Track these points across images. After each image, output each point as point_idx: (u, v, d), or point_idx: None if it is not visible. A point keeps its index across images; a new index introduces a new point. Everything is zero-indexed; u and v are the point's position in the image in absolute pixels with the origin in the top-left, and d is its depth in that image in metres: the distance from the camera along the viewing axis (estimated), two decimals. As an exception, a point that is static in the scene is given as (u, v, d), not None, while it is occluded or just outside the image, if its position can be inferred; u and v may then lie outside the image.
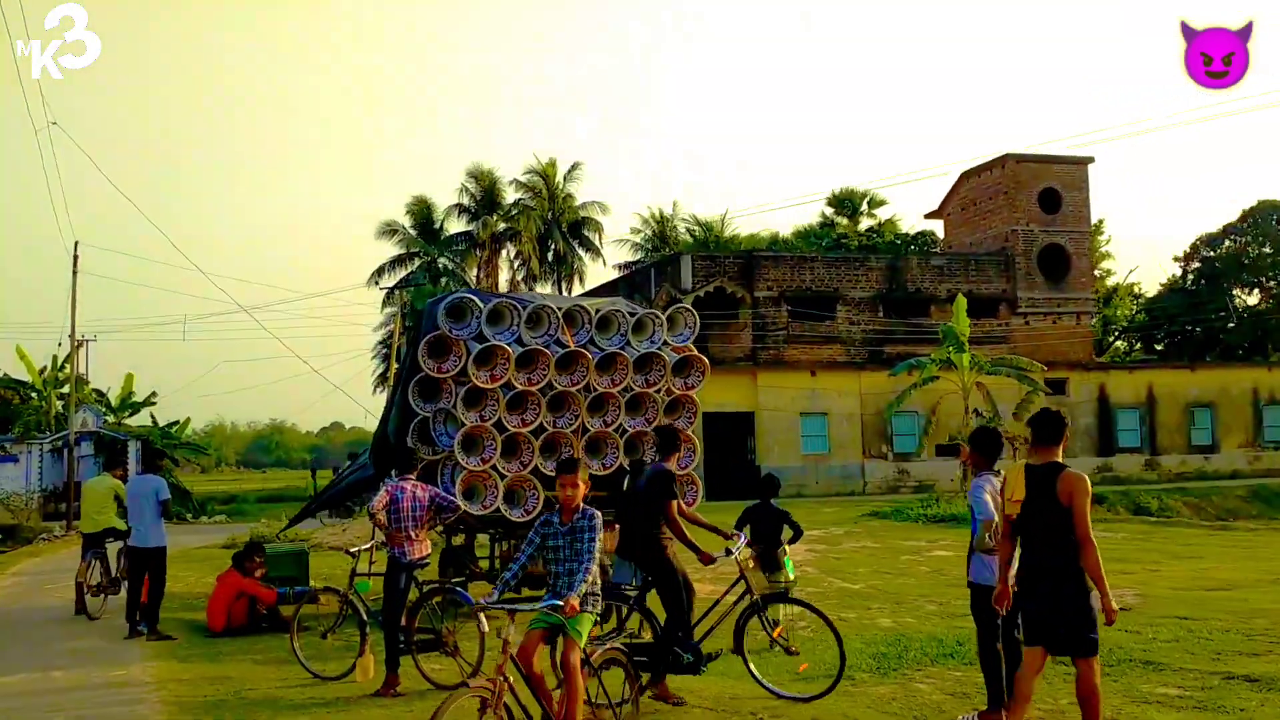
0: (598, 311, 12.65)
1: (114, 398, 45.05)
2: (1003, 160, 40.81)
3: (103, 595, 13.08)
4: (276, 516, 32.09)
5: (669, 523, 8.12)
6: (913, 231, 57.58)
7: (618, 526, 11.89)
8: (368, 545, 9.83)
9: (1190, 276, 55.16)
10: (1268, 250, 52.07)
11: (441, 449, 11.89)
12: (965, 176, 43.11)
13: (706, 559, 8.07)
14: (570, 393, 12.08)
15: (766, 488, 10.33)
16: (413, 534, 8.91)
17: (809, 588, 14.09)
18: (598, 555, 6.43)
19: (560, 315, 12.33)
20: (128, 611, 11.68)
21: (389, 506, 8.87)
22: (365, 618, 9.26)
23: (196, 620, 12.29)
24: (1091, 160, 41.10)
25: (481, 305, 12.03)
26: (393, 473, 9.78)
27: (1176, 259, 56.84)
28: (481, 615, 7.82)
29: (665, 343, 12.81)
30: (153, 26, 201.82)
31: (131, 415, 45.15)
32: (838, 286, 38.90)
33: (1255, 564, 15.56)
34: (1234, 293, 53.64)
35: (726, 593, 8.58)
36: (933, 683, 8.39)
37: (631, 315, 12.73)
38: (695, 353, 12.89)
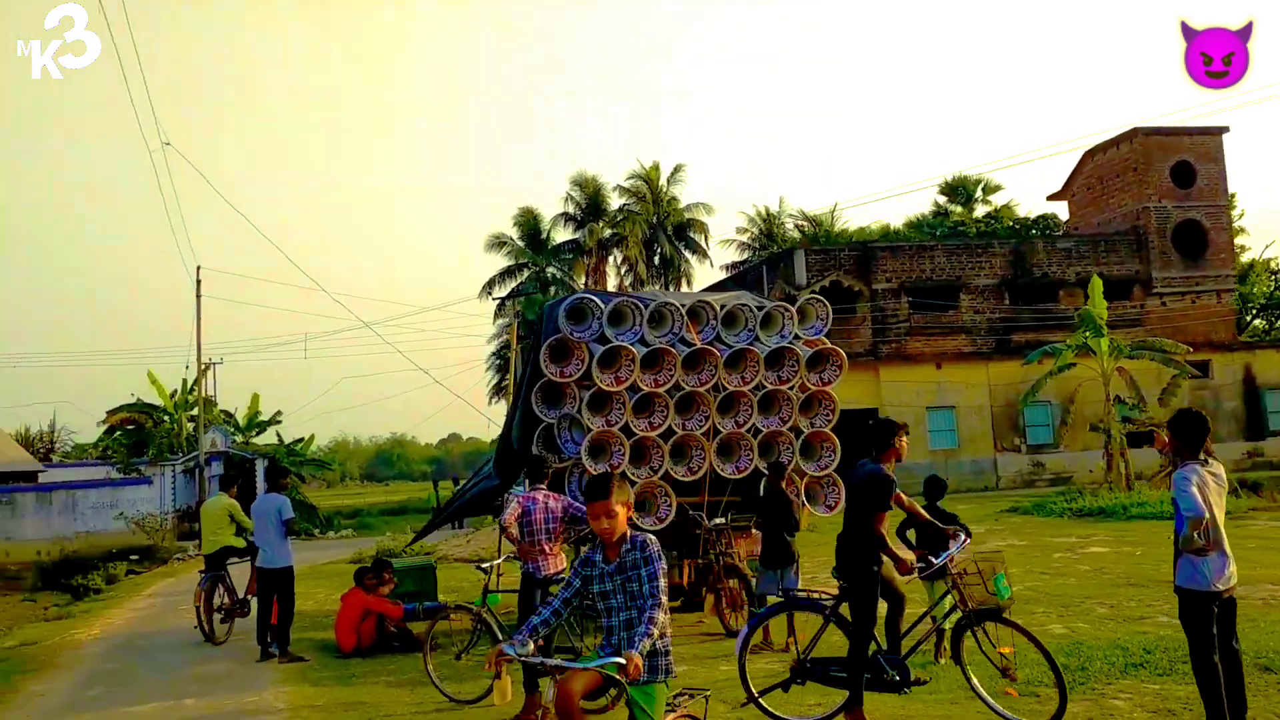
0: (723, 307, 12.01)
1: (241, 418, 46.16)
2: (1131, 134, 38.79)
3: (229, 618, 12.92)
4: (401, 529, 32.27)
5: (873, 538, 7.24)
6: (1033, 215, 55.41)
7: (757, 534, 11.29)
8: (499, 559, 9.33)
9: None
10: None
11: (568, 456, 11.40)
12: (1090, 154, 41.13)
13: (907, 569, 7.32)
14: (699, 393, 11.47)
15: (934, 490, 9.60)
16: (546, 547, 8.42)
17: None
18: (663, 597, 5.08)
19: (684, 312, 11.72)
20: (258, 633, 11.45)
21: (521, 519, 8.39)
22: (500, 636, 8.78)
23: (328, 639, 12.02)
24: (1226, 130, 38.79)
25: (602, 306, 11.50)
26: (525, 482, 9.28)
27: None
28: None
29: (796, 336, 12.09)
30: (264, 40, 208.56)
31: (258, 434, 46.20)
32: (959, 275, 37.43)
33: None
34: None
35: (935, 604, 7.89)
36: (1128, 698, 7.50)
37: (759, 309, 12.06)
38: (830, 345, 12.14)
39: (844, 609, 7.50)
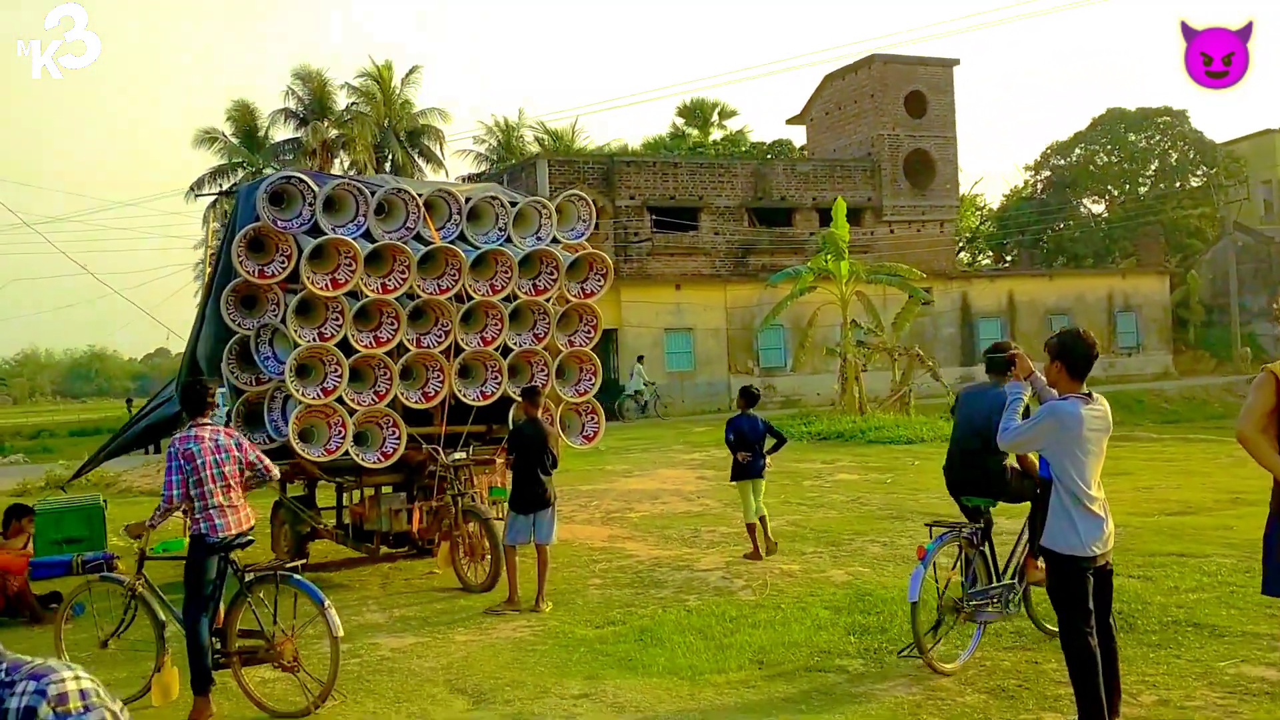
0: (468, 200, 10.03)
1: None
2: (869, 61, 39.09)
3: None
4: (90, 452, 28.25)
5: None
6: (768, 142, 55.92)
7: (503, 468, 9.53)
8: (151, 520, 6.80)
9: (1040, 186, 55.30)
10: (1115, 159, 52.40)
11: (269, 377, 9.17)
12: (830, 79, 41.30)
13: None
14: (437, 301, 9.49)
15: (748, 399, 10.15)
16: (224, 500, 6.28)
17: (720, 526, 12.03)
18: None
19: (421, 203, 9.64)
20: None
21: (181, 469, 6.21)
22: (162, 617, 6.63)
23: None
24: (957, 62, 39.84)
25: (316, 189, 9.23)
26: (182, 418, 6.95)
27: (1028, 168, 56.98)
28: (332, 612, 5.57)
29: (555, 239, 10.29)
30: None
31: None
32: (701, 195, 36.68)
33: (1194, 480, 14.26)
34: (1082, 202, 54.03)
35: None
36: (949, 671, 6.29)
37: (512, 205, 10.15)
38: (594, 251, 10.42)
39: None
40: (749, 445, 9.97)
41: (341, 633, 6.26)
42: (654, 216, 35.87)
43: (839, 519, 12.28)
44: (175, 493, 6.22)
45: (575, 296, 10.23)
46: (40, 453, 34.96)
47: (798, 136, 49.30)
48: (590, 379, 10.44)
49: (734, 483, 10.29)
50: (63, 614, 7.28)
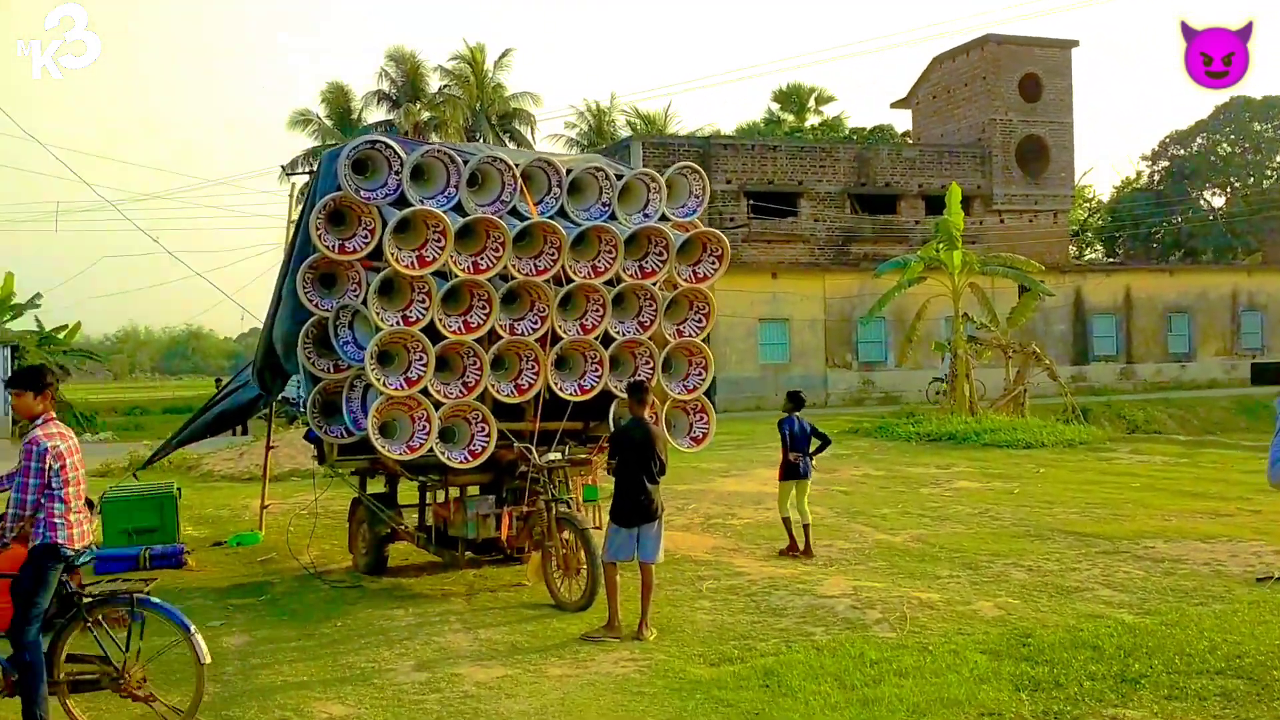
0: (570, 171, 8.98)
1: (-11, 300, 40.17)
2: (982, 42, 37.23)
3: None
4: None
5: None
6: (869, 127, 54.16)
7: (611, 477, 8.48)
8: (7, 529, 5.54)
9: (1156, 176, 52.61)
10: (1238, 149, 49.54)
11: (348, 364, 8.26)
12: (938, 61, 39.49)
13: None
14: (533, 284, 8.47)
15: (796, 402, 10.37)
16: (80, 507, 5.60)
17: (837, 540, 10.84)
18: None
19: (518, 174, 8.63)
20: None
21: (45, 475, 5.37)
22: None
23: None
24: (1076, 44, 37.76)
25: (403, 155, 8.28)
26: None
27: (1143, 158, 54.29)
28: (199, 638, 5.57)
29: (664, 216, 9.20)
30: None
31: (13, 319, 40.32)
32: (801, 180, 35.30)
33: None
34: (1202, 194, 51.26)
35: None
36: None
37: (618, 178, 9.08)
38: (708, 230, 9.29)
39: None
40: (799, 447, 10.25)
41: (209, 659, 5.64)
42: (751, 201, 34.61)
43: (970, 535, 11.01)
44: (32, 497, 5.32)
45: (686, 280, 9.12)
46: (131, 430, 35.09)
47: (899, 122, 47.53)
48: (700, 374, 9.34)
49: (782, 482, 10.43)
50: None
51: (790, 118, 57.01)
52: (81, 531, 5.56)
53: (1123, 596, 8.13)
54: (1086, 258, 55.31)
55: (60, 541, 5.41)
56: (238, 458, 19.30)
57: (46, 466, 5.36)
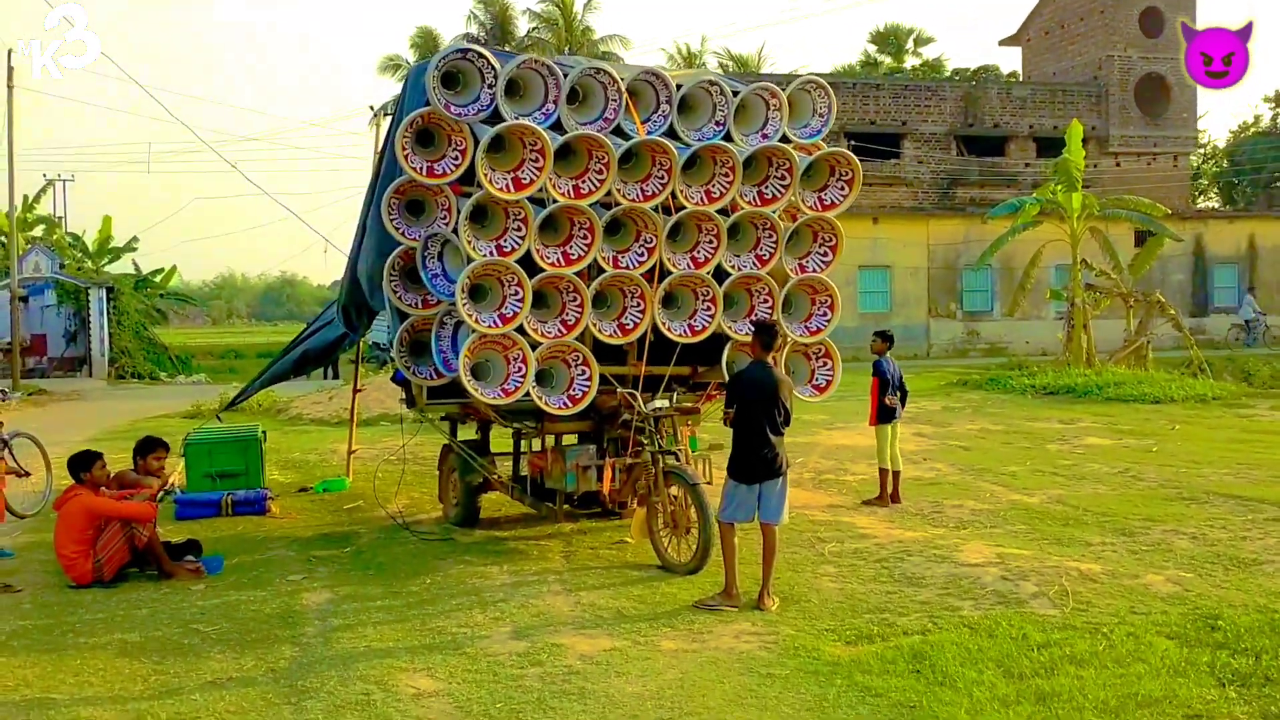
0: (681, 87, 8.05)
1: (91, 242, 40.78)
2: (1100, -28, 35.00)
3: None
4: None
5: None
6: (973, 67, 51.89)
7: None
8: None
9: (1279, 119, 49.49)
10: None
11: (437, 299, 7.51)
12: (1053, -6, 37.29)
13: None
14: (640, 211, 7.60)
15: (889, 342, 10.06)
16: None
17: (968, 500, 9.88)
18: None
19: (624, 88, 7.73)
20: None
21: None
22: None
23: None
24: (1202, -27, 35.27)
25: (497, 66, 7.43)
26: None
27: (1266, 100, 51.06)
28: None
29: (785, 137, 8.23)
30: None
31: (111, 261, 40.88)
32: (905, 120, 33.67)
33: None
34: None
35: None
36: None
37: (734, 94, 8.12)
38: (838, 150, 8.30)
39: None
40: (897, 388, 9.91)
41: None
42: (851, 143, 33.08)
43: (1115, 498, 9.94)
44: None
45: (811, 208, 8.16)
46: (225, 373, 35.28)
47: (1005, 63, 45.27)
48: (825, 315, 8.41)
49: (879, 425, 9.86)
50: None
51: (888, 60, 55.17)
52: None
53: (1306, 569, 7.07)
54: (1202, 206, 52.48)
55: None
56: (326, 401, 18.94)
57: None
